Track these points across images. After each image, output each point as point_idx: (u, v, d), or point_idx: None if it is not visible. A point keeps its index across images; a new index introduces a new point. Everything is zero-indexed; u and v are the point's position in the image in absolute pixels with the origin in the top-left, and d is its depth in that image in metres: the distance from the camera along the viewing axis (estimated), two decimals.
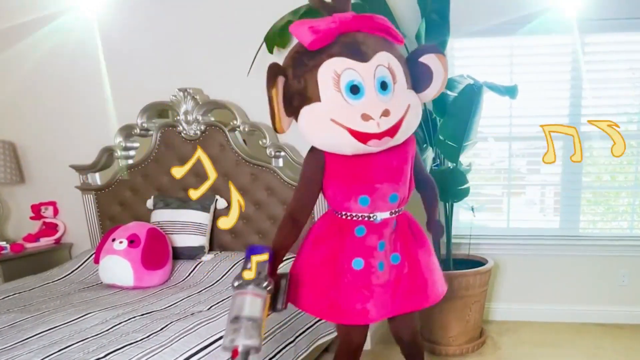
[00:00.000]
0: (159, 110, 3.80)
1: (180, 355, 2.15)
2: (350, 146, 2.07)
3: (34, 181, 4.15)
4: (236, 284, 1.91)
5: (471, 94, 3.20)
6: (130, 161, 3.84)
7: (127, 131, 3.77)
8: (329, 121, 2.02)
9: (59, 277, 3.39)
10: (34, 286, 3.20)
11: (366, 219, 2.28)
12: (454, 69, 3.95)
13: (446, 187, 3.50)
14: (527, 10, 3.65)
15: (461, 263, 3.84)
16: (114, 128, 3.77)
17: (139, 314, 2.56)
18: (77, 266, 3.52)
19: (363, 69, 2.02)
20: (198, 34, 3.69)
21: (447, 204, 3.75)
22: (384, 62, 2.07)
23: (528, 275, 4.26)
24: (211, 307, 2.74)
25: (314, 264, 2.32)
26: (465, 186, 3.51)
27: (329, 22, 2.02)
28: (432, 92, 2.28)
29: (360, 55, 2.03)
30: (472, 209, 3.90)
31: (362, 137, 2.03)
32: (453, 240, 3.85)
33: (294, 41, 2.18)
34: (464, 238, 4.03)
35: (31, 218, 4.10)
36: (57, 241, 4.14)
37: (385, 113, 2.03)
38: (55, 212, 4.15)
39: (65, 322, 2.44)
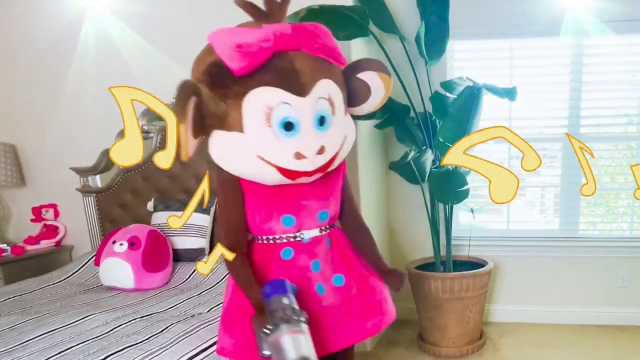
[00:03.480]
0: None
1: (181, 357, 2.15)
2: (276, 182, 1.88)
3: (35, 184, 4.16)
4: (268, 332, 1.67)
5: (470, 96, 3.20)
6: None
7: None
8: (255, 157, 1.79)
9: (60, 280, 3.39)
10: (34, 288, 3.19)
11: (292, 239, 2.03)
12: (453, 71, 3.98)
13: (446, 189, 3.54)
14: (526, 13, 3.67)
15: (461, 265, 3.85)
16: (114, 130, 3.66)
17: (140, 316, 2.55)
18: (77, 268, 3.51)
19: (301, 105, 1.76)
20: (199, 36, 3.68)
21: (446, 205, 3.76)
22: (325, 94, 1.82)
23: (528, 277, 4.26)
24: (211, 309, 2.72)
25: (244, 305, 1.95)
26: (464, 188, 3.51)
27: (261, 40, 1.70)
28: (367, 108, 2.08)
29: (299, 87, 1.75)
30: (472, 211, 3.91)
31: (292, 175, 1.84)
32: (453, 242, 3.85)
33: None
34: (463, 240, 4.03)
35: (32, 220, 4.11)
36: (58, 243, 4.14)
37: (321, 150, 1.83)
38: (56, 214, 4.15)
39: (66, 324, 2.43)
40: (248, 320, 1.83)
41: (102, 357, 2.04)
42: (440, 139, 3.35)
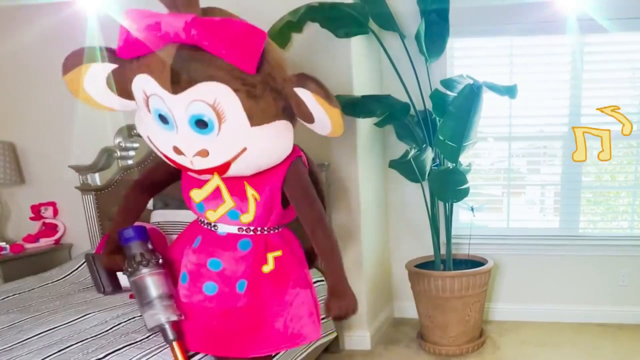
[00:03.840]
0: None
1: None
2: (174, 164, 1.87)
3: (34, 182, 4.15)
4: (129, 272, 1.94)
5: (471, 94, 3.19)
6: (130, 162, 3.84)
7: (127, 132, 3.77)
8: (146, 136, 1.84)
9: (59, 278, 3.40)
10: (33, 287, 3.21)
11: (210, 227, 2.04)
12: (453, 69, 3.98)
13: (446, 187, 3.55)
14: (526, 11, 3.66)
15: (461, 263, 3.86)
16: (114, 128, 3.78)
17: (139, 315, 2.53)
18: (76, 267, 3.51)
19: (171, 101, 1.68)
20: None
21: (446, 204, 3.77)
22: (206, 98, 1.67)
23: (528, 276, 4.27)
24: None
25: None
26: (465, 186, 3.51)
27: (153, 30, 1.64)
28: (320, 131, 1.93)
29: (173, 83, 1.65)
30: (472, 209, 3.88)
31: (179, 166, 1.85)
32: (453, 241, 3.86)
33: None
34: (463, 238, 4.03)
35: (31, 218, 4.11)
36: (57, 242, 4.13)
37: (202, 153, 1.75)
38: (55, 212, 4.15)
39: (65, 322, 2.44)
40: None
41: (101, 355, 2.05)
42: (441, 137, 3.34)
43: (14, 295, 3.03)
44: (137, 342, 2.20)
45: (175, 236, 3.37)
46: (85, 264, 3.48)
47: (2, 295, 3.01)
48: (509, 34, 3.87)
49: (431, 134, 3.61)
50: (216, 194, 1.94)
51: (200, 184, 1.94)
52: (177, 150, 1.76)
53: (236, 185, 1.93)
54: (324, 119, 1.82)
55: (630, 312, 4.12)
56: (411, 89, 3.56)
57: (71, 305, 2.78)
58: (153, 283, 1.92)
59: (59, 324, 2.42)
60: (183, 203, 3.58)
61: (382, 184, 4.23)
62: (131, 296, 1.90)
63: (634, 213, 4.12)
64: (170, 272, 2.05)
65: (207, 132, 1.71)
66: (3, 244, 3.86)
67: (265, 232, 2.07)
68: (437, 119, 3.56)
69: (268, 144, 1.84)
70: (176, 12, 1.67)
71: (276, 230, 2.12)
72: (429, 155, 3.47)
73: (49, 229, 4.12)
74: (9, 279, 3.52)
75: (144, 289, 1.93)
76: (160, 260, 1.98)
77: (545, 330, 4.08)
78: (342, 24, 3.27)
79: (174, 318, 1.95)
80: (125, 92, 1.82)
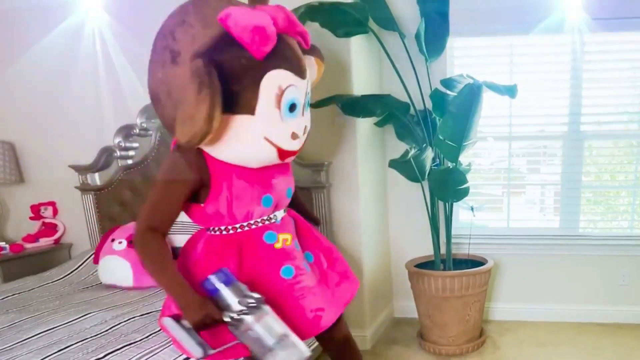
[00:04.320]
0: None
1: (180, 356, 2.15)
2: (266, 162, 1.91)
3: (33, 181, 4.18)
4: (234, 326, 1.71)
5: (471, 94, 3.18)
6: (130, 161, 3.86)
7: (126, 131, 3.79)
8: (260, 139, 1.81)
9: (59, 278, 3.43)
10: (33, 286, 3.23)
11: (267, 222, 2.03)
12: (453, 69, 3.99)
13: (446, 187, 3.55)
14: (526, 10, 3.67)
15: (461, 263, 3.86)
16: (113, 128, 3.79)
17: (139, 314, 2.58)
18: (76, 266, 3.54)
19: (301, 86, 1.86)
20: None
21: (446, 203, 3.77)
22: (311, 78, 1.98)
23: (528, 275, 4.27)
24: None
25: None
26: (464, 186, 3.51)
27: (268, 22, 1.69)
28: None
29: (301, 70, 1.84)
30: (472, 209, 3.89)
31: (285, 155, 1.90)
32: (453, 240, 3.86)
33: None
34: (463, 238, 4.03)
35: (30, 218, 4.13)
36: (57, 241, 4.16)
37: (305, 130, 1.96)
38: (55, 212, 4.17)
39: (65, 322, 2.46)
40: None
41: (101, 355, 2.07)
42: (441, 137, 3.35)
43: (13, 295, 3.05)
44: (136, 342, 2.22)
45: (174, 236, 3.40)
46: (85, 263, 3.54)
47: (2, 295, 3.03)
48: (509, 33, 3.87)
49: (431, 133, 3.61)
50: (277, 181, 2.03)
51: (258, 177, 1.94)
52: (294, 135, 1.88)
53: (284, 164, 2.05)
54: (312, 75, 2.06)
55: (631, 312, 4.12)
56: (411, 88, 3.55)
57: (71, 305, 2.80)
58: (265, 329, 1.70)
59: (59, 324, 2.43)
60: None
61: (382, 184, 4.23)
62: (246, 347, 1.69)
63: (634, 213, 4.12)
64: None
65: (307, 110, 1.95)
66: (3, 243, 3.89)
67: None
68: (437, 118, 3.56)
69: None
70: (256, 5, 1.75)
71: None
72: (428, 154, 3.47)
73: (49, 229, 4.14)
74: (8, 278, 3.55)
75: (258, 339, 1.69)
76: (262, 298, 1.75)
77: (546, 329, 4.08)
78: (342, 23, 3.27)
79: (306, 355, 1.77)
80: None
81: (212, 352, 1.68)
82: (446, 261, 3.82)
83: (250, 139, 1.80)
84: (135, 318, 2.52)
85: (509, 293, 4.32)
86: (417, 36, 3.48)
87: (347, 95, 3.41)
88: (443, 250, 3.88)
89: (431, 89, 3.55)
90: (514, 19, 3.76)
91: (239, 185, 1.89)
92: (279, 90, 1.76)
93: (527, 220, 4.36)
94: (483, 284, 3.73)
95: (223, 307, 1.71)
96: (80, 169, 3.85)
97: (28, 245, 4.00)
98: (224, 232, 1.98)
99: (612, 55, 3.88)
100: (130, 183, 3.84)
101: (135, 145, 3.86)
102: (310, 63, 2.02)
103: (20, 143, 4.13)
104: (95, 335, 2.30)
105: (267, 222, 2.02)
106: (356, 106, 3.38)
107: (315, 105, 3.11)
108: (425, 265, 3.86)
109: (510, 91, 3.42)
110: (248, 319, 1.68)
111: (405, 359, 3.71)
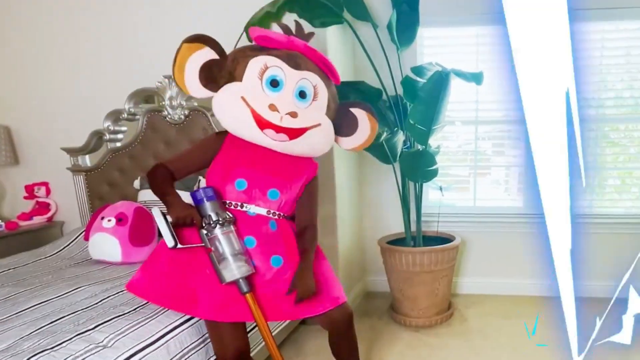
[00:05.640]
0: (146, 96, 3.85)
1: (166, 326, 2.22)
2: (248, 128, 2.13)
3: (28, 163, 4.26)
4: (206, 230, 2.07)
5: (439, 81, 3.25)
6: (118, 144, 3.90)
7: (115, 116, 3.84)
8: (238, 98, 2.11)
9: (51, 253, 3.45)
10: (27, 262, 3.25)
11: (239, 207, 2.21)
12: (423, 57, 4.07)
13: (416, 168, 3.63)
14: (492, 2, 3.75)
15: (430, 240, 3.96)
16: (103, 113, 3.84)
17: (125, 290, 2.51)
18: (68, 243, 3.57)
19: (289, 72, 2.16)
20: (181, 23, 3.71)
21: (417, 184, 3.84)
22: (312, 80, 2.22)
23: (493, 251, 4.37)
24: None
25: (167, 254, 2.19)
26: (434, 167, 3.59)
27: (281, 38, 2.21)
28: (353, 142, 2.47)
29: (294, 64, 2.17)
30: (441, 189, 4.02)
31: (262, 123, 2.11)
32: (423, 218, 3.93)
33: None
34: (433, 216, 4.11)
35: (25, 198, 4.21)
36: (50, 219, 4.24)
37: (293, 114, 2.15)
38: (48, 192, 4.25)
39: (57, 295, 2.49)
40: (161, 265, 2.20)
41: (92, 326, 2.09)
42: (411, 121, 3.39)
43: (8, 270, 3.06)
44: (125, 314, 2.26)
45: None
46: (76, 239, 3.57)
47: None
48: (475, 24, 3.97)
49: (402, 118, 3.68)
50: (262, 174, 2.24)
51: (248, 162, 2.22)
52: (273, 107, 2.12)
53: (287, 163, 2.28)
54: (366, 132, 2.45)
55: (586, 285, 4.24)
56: (383, 76, 3.63)
57: (63, 279, 2.80)
58: (227, 241, 2.07)
59: (52, 297, 2.46)
60: None
61: (356, 165, 4.32)
62: (209, 250, 2.05)
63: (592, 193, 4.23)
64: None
65: (303, 102, 2.20)
66: None
67: (285, 219, 2.33)
68: (408, 104, 3.61)
69: (326, 133, 2.29)
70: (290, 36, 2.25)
71: (291, 219, 2.38)
72: (400, 138, 3.56)
73: (42, 208, 4.22)
74: (4, 254, 3.52)
75: (219, 246, 2.07)
76: (233, 219, 2.14)
77: (509, 302, 4.19)
78: (318, 14, 3.36)
79: (248, 273, 2.11)
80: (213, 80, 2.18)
81: (179, 247, 2.05)
82: (416, 238, 3.89)
83: (232, 98, 2.13)
84: (124, 291, 2.49)
85: (475, 268, 4.44)
86: (389, 26, 3.58)
87: None
88: (413, 227, 3.94)
89: (402, 76, 3.61)
90: (480, 10, 3.82)
91: (223, 159, 2.22)
92: (264, 66, 2.13)
93: (492, 200, 4.46)
94: (451, 260, 3.83)
95: (203, 215, 2.08)
96: (72, 151, 3.93)
97: (23, 223, 4.08)
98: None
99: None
100: (118, 164, 3.88)
101: (124, 129, 3.90)
102: (362, 116, 2.42)
103: (15, 127, 4.20)
104: (86, 308, 2.31)
105: (238, 208, 2.20)
106: None
107: None
108: (396, 242, 3.94)
109: (476, 78, 3.54)
110: (217, 229, 2.07)
111: (377, 330, 3.76)
